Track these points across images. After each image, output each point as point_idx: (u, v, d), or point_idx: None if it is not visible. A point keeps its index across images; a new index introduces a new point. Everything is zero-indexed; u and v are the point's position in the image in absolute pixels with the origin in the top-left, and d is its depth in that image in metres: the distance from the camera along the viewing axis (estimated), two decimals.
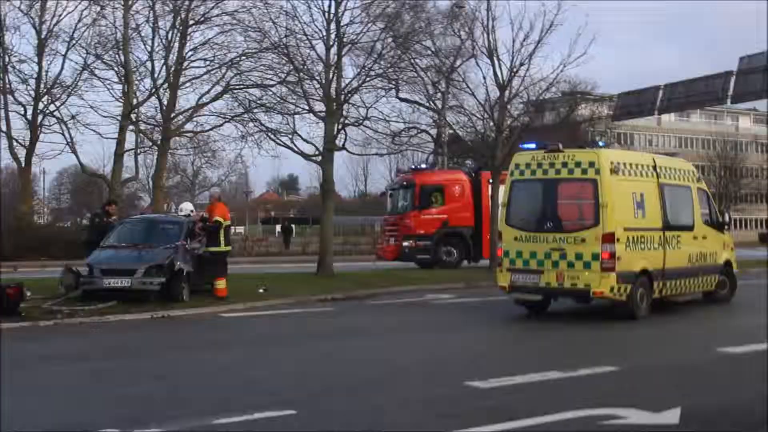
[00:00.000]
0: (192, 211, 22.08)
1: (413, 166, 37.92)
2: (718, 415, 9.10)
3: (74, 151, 38.72)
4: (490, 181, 32.44)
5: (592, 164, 17.15)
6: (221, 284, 20.30)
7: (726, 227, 21.52)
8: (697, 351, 13.98)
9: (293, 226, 68.50)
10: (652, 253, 17.89)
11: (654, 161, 18.96)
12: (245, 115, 31.83)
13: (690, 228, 19.43)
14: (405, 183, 34.94)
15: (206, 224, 20.54)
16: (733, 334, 15.60)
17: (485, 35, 29.82)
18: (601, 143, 19.04)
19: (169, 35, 36.36)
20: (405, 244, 33.26)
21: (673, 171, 19.45)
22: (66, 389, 10.54)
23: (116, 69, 36.64)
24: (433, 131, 39.72)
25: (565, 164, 17.48)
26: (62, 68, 39.08)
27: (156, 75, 36.36)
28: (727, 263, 21.08)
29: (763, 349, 13.28)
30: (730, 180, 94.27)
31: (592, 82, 54.46)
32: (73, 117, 38.25)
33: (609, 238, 16.80)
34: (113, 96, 37.40)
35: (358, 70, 28.11)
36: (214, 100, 36.39)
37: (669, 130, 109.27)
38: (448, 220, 33.40)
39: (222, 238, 20.55)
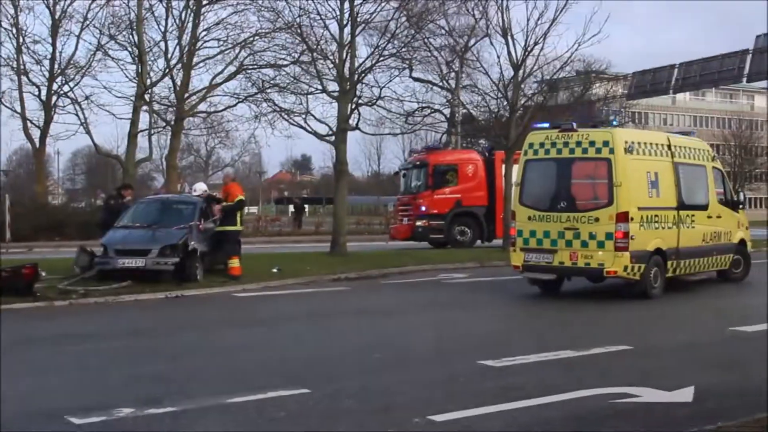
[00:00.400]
0: (205, 191, 22.15)
1: (426, 146, 37.84)
2: (732, 393, 9.10)
3: (88, 132, 38.86)
4: (504, 160, 32.41)
5: (606, 143, 17.09)
6: (235, 263, 20.37)
7: (741, 206, 21.42)
8: (711, 330, 13.98)
9: (305, 204, 68.43)
10: (666, 232, 17.85)
11: (668, 140, 18.87)
12: (258, 95, 31.88)
13: (704, 207, 19.37)
14: (418, 163, 34.86)
15: (226, 204, 20.55)
16: (746, 314, 15.56)
17: (499, 14, 29.69)
18: (614, 122, 18.94)
19: (183, 15, 36.49)
20: (418, 223, 33.25)
21: (687, 150, 19.36)
22: (81, 369, 10.59)
23: (130, 49, 36.75)
24: (447, 111, 39.62)
25: (579, 143, 17.42)
26: (76, 49, 39.34)
27: (169, 55, 36.49)
28: (742, 242, 21.02)
29: None
30: (745, 159, 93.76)
31: (607, 61, 54.02)
32: (87, 97, 38.43)
33: (623, 218, 16.76)
34: (127, 76, 37.58)
35: (372, 49, 28.07)
36: (227, 80, 36.53)
37: (684, 109, 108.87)
38: (462, 200, 33.38)
39: (239, 217, 20.73)
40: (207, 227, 20.50)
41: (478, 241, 33.67)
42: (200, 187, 22.44)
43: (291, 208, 64.80)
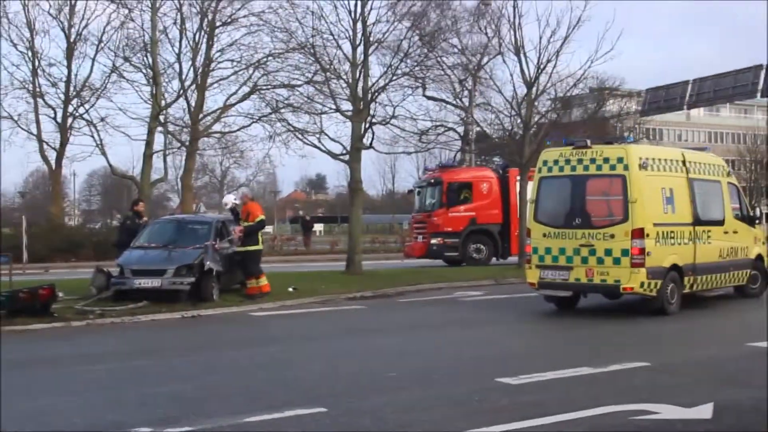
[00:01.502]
0: (236, 201, 22.17)
1: (440, 164, 37.88)
2: (750, 409, 9.04)
3: (104, 153, 39.07)
4: (518, 177, 32.40)
5: (620, 160, 17.08)
6: (263, 281, 20.54)
7: (757, 221, 21.36)
8: (728, 346, 13.90)
9: (314, 223, 68.19)
10: (683, 248, 17.79)
11: (683, 156, 18.85)
12: (273, 115, 32.00)
13: (720, 223, 19.32)
14: (432, 180, 34.90)
15: (247, 224, 20.56)
16: (763, 329, 15.44)
17: (512, 32, 29.72)
18: (629, 138, 18.94)
19: (197, 37, 36.60)
20: (433, 241, 33.32)
21: (702, 166, 19.33)
22: (98, 388, 10.61)
23: (144, 71, 36.91)
24: (461, 129, 39.73)
25: (593, 160, 17.43)
26: (91, 71, 39.48)
27: (184, 76, 36.61)
28: (759, 258, 20.93)
29: None
30: (760, 174, 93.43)
31: (620, 78, 54.23)
32: (102, 119, 38.68)
33: (638, 234, 16.73)
34: (141, 98, 37.71)
35: (385, 68, 28.12)
36: (241, 100, 36.63)
37: (699, 124, 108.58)
38: (476, 218, 33.45)
39: (260, 237, 20.82)
40: (222, 247, 20.56)
41: (494, 259, 33.65)
42: (229, 199, 22.56)
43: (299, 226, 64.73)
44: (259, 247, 21.03)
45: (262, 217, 20.99)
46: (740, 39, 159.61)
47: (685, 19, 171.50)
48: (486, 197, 33.84)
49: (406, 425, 8.39)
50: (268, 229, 78.50)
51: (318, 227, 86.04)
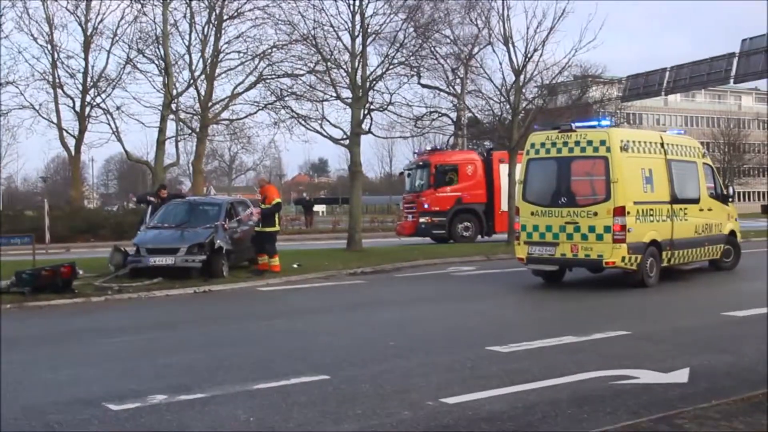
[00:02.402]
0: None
1: (429, 148, 37.80)
2: (724, 374, 9.07)
3: (119, 140, 39.14)
4: (501, 160, 32.52)
5: (603, 142, 17.07)
6: (276, 261, 20.55)
7: (730, 200, 21.36)
8: (704, 315, 13.93)
9: (313, 201, 67.89)
10: (661, 224, 17.80)
11: (661, 139, 18.84)
12: (277, 103, 31.98)
13: (696, 201, 19.32)
14: (421, 163, 34.87)
15: (265, 207, 20.51)
16: (736, 300, 15.49)
17: (501, 23, 29.65)
18: (606, 121, 18.92)
19: (205, 30, 36.60)
20: (422, 220, 33.33)
21: (679, 147, 19.32)
22: (116, 359, 10.62)
23: (157, 62, 36.91)
24: (453, 115, 39.67)
25: (577, 143, 17.42)
26: (107, 63, 39.76)
27: (194, 67, 36.64)
28: (732, 233, 20.96)
29: (764, 312, 13.21)
30: (733, 155, 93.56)
31: (602, 66, 54.12)
32: (117, 108, 38.70)
33: (620, 212, 16.75)
34: (154, 87, 37.74)
35: (382, 58, 28.11)
36: (248, 89, 36.67)
37: (676, 109, 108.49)
38: (462, 198, 33.44)
39: (277, 219, 20.82)
40: (232, 227, 20.57)
41: (479, 237, 33.61)
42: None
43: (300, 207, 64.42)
44: (277, 228, 21.02)
45: (279, 200, 21.01)
46: (713, 30, 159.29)
47: (662, 13, 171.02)
48: (471, 178, 33.81)
49: (403, 391, 8.41)
50: None
51: (321, 208, 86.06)
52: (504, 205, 32.09)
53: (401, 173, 32.85)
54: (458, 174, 33.79)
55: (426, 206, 33.32)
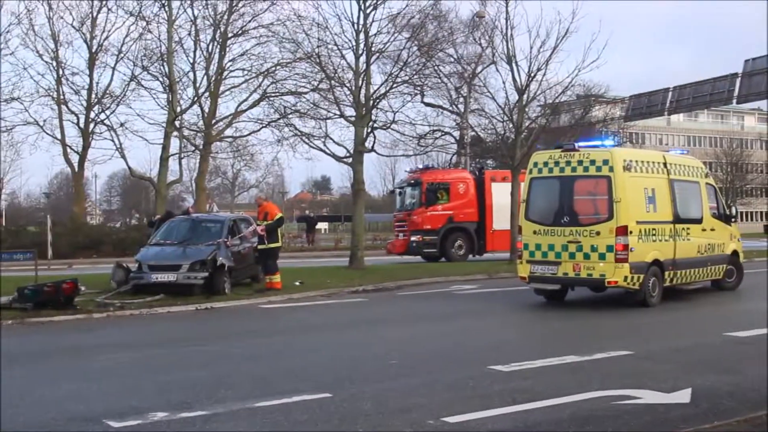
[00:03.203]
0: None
1: (420, 166, 37.62)
2: (726, 394, 9.04)
3: (123, 156, 39.19)
4: (493, 178, 32.54)
5: (605, 162, 17.10)
6: (277, 278, 20.54)
7: (733, 220, 21.34)
8: (706, 335, 13.89)
9: (315, 218, 67.76)
10: (663, 244, 17.79)
11: (664, 158, 18.87)
12: (281, 121, 32.13)
13: (699, 221, 19.31)
14: (413, 181, 34.64)
15: (268, 223, 20.51)
16: (739, 320, 15.45)
17: (504, 43, 29.74)
18: (609, 140, 18.92)
19: (210, 47, 36.72)
20: (413, 238, 33.14)
21: (682, 167, 19.33)
22: (118, 376, 10.62)
23: (161, 79, 37.01)
24: (456, 133, 39.78)
25: (580, 162, 17.44)
26: (111, 79, 39.54)
27: (198, 84, 36.74)
28: (734, 253, 20.93)
29: (766, 333, 13.17)
30: (736, 175, 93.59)
31: (605, 85, 54.16)
32: (122, 124, 38.78)
33: (622, 231, 16.74)
34: (158, 104, 38.02)
35: (386, 77, 28.21)
36: (251, 107, 36.78)
37: (678, 129, 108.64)
38: (454, 216, 33.27)
39: (279, 234, 20.85)
40: (234, 244, 20.59)
41: (470, 256, 33.38)
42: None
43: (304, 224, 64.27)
44: (279, 244, 21.09)
45: (281, 214, 21.10)
46: (716, 50, 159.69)
47: (666, 31, 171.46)
48: (462, 197, 33.65)
49: (405, 409, 8.40)
50: None
51: (323, 225, 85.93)
52: (496, 224, 32.10)
53: (392, 191, 32.72)
54: (449, 192, 33.61)
55: (417, 224, 33.13)
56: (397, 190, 36.62)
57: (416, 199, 33.84)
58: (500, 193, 32.56)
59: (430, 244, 32.95)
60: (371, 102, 27.56)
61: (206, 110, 37.18)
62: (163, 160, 37.77)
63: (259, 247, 20.60)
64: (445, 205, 33.43)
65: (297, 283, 21.81)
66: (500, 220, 32.27)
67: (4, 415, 8.28)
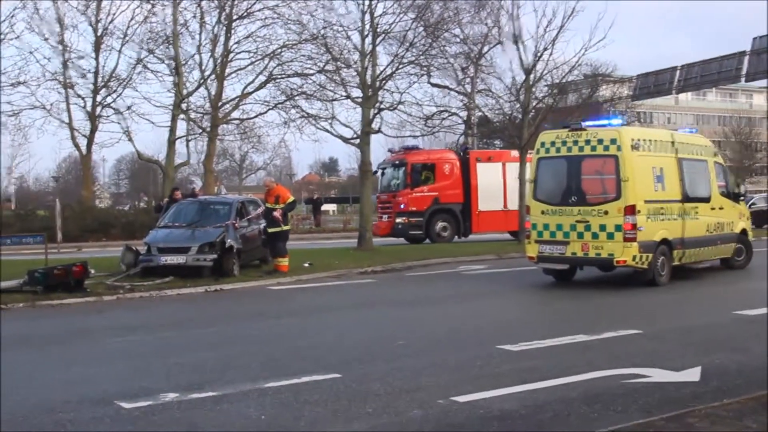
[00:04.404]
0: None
1: (404, 146, 36.93)
2: (735, 373, 9.04)
3: (130, 140, 39.31)
4: (478, 159, 32.37)
5: (613, 141, 17.04)
6: (285, 261, 20.44)
7: (741, 198, 21.30)
8: (715, 314, 13.90)
9: (320, 200, 67.66)
10: (672, 223, 17.76)
11: (672, 137, 18.81)
12: (287, 103, 32.13)
13: (707, 199, 19.27)
14: (397, 162, 33.93)
15: (282, 206, 20.46)
16: (748, 298, 15.43)
17: (511, 23, 29.63)
18: (617, 119, 18.87)
19: (215, 30, 36.70)
20: (398, 220, 32.48)
21: (690, 146, 19.28)
22: (128, 358, 10.65)
23: (167, 62, 37.03)
24: (463, 114, 39.60)
25: (588, 141, 17.39)
26: (117, 63, 39.77)
27: (204, 67, 36.75)
28: (743, 232, 20.89)
29: None
30: (744, 154, 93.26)
31: (613, 65, 53.98)
32: (128, 108, 38.76)
33: (631, 210, 16.72)
34: (165, 87, 37.89)
35: (392, 58, 28.09)
36: (258, 89, 36.76)
37: (687, 108, 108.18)
38: (439, 197, 32.73)
39: (288, 217, 20.86)
40: (242, 226, 20.62)
41: (456, 237, 33.00)
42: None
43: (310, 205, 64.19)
44: (289, 227, 21.08)
45: (293, 198, 21.04)
46: (723, 29, 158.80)
47: (672, 13, 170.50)
48: (448, 178, 33.01)
49: (414, 389, 8.42)
50: None
51: (331, 207, 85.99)
52: (482, 205, 31.93)
53: (375, 172, 32.33)
54: (435, 173, 32.97)
55: (402, 206, 32.52)
56: (380, 171, 35.63)
57: (401, 179, 33.16)
58: (486, 174, 32.34)
59: (416, 225, 32.28)
60: (377, 83, 27.49)
61: (213, 93, 37.20)
62: (171, 142, 37.83)
63: (270, 230, 20.51)
64: (431, 186, 32.77)
65: (306, 265, 21.83)
66: (486, 200, 32.09)
67: (16, 398, 8.33)
